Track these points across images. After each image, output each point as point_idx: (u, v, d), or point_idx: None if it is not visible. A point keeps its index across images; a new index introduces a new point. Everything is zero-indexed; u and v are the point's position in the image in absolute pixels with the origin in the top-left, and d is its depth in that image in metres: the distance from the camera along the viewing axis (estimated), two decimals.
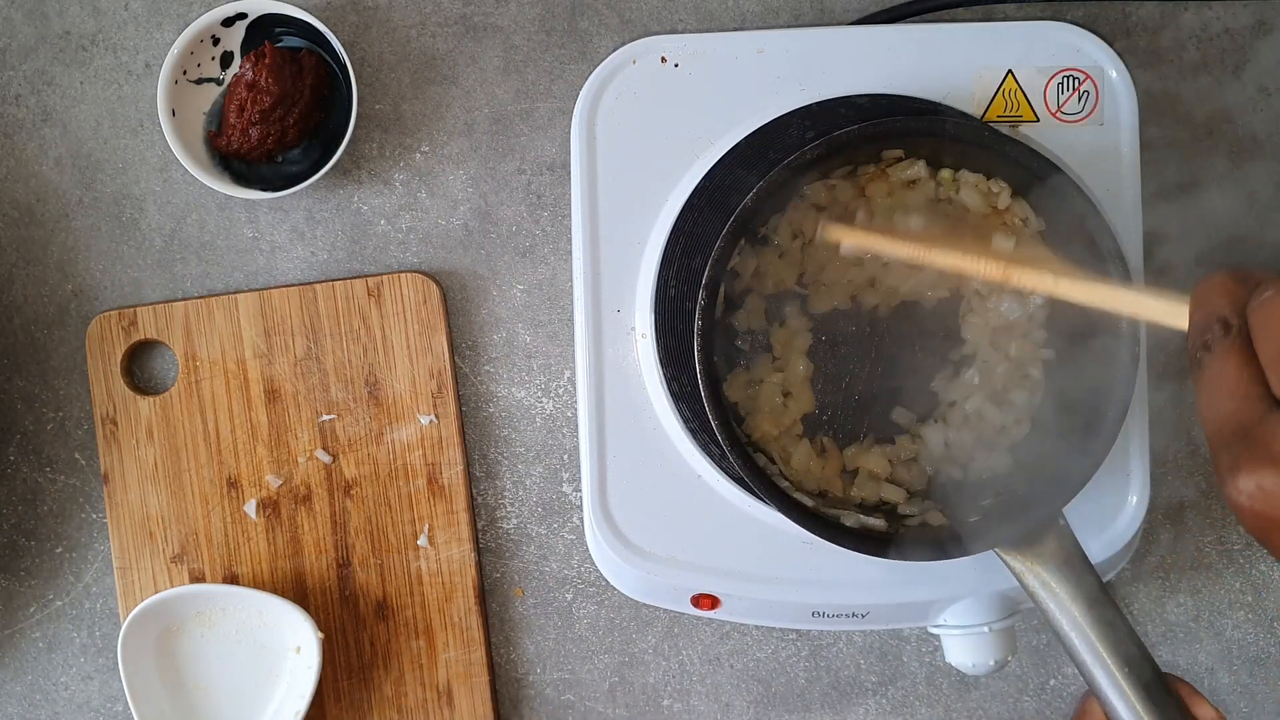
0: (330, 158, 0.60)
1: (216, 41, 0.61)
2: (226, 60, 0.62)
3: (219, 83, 0.62)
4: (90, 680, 0.65)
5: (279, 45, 0.61)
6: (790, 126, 0.56)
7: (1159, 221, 0.58)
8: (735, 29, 0.62)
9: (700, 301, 0.50)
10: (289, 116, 0.60)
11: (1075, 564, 0.48)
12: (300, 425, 0.63)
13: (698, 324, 0.50)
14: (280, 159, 0.62)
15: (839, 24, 0.62)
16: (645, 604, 0.63)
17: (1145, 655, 0.46)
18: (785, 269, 0.55)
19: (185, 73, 0.61)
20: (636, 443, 0.58)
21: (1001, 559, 0.48)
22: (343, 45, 0.59)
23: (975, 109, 0.57)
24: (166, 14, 0.64)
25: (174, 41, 0.60)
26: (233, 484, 0.63)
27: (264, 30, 0.61)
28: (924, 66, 0.57)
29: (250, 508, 0.63)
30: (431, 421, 0.63)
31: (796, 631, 0.65)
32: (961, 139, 0.52)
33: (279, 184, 0.61)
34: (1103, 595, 0.47)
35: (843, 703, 0.65)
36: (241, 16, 0.61)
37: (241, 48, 0.62)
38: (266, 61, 0.59)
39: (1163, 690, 0.45)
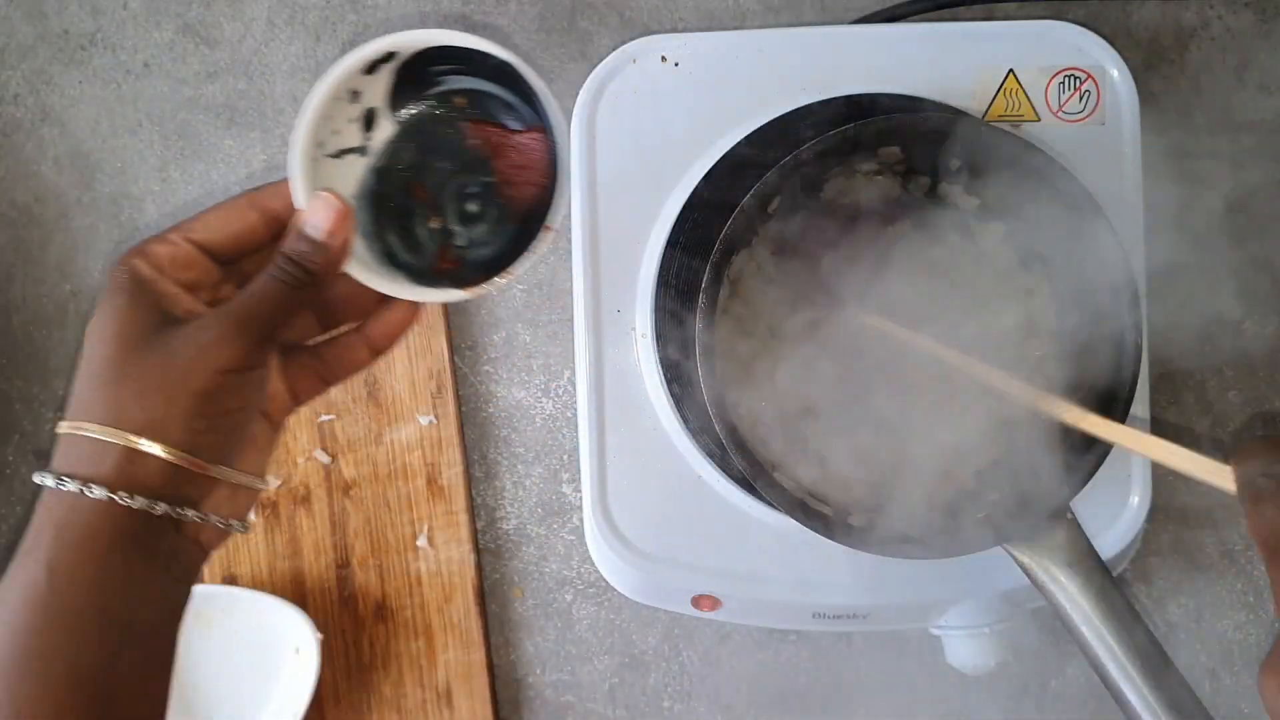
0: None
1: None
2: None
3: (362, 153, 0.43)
4: None
5: None
6: (791, 126, 0.56)
7: (1160, 220, 0.58)
8: (736, 28, 0.62)
9: (700, 304, 0.50)
10: None
11: (1084, 558, 0.47)
12: (299, 425, 0.63)
13: (698, 325, 0.50)
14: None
15: (840, 23, 0.62)
16: (645, 605, 0.63)
17: (1156, 646, 0.46)
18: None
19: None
20: (636, 443, 0.57)
21: (1010, 554, 0.48)
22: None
23: (977, 108, 0.57)
24: (165, 13, 0.63)
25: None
26: None
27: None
28: (925, 66, 0.57)
29: None
30: (431, 422, 0.63)
31: (797, 633, 0.65)
32: (957, 135, 0.52)
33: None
34: (1112, 588, 0.47)
35: (844, 704, 0.65)
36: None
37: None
38: None
39: (1175, 680, 0.45)
